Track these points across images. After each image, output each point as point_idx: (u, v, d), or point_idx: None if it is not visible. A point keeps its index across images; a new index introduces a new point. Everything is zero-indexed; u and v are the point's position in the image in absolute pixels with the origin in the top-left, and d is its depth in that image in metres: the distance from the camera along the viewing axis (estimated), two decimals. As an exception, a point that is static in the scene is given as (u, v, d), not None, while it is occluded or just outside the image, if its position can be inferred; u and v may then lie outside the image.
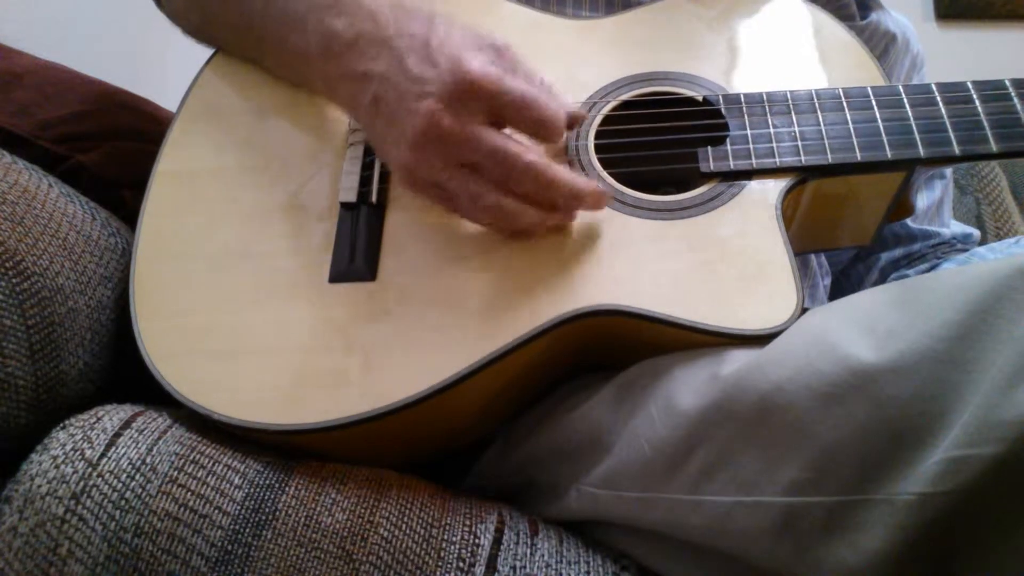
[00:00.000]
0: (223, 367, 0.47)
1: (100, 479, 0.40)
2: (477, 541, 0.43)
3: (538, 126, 0.46)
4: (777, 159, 0.51)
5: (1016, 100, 0.51)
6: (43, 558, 0.38)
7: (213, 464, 0.43)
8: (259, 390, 0.46)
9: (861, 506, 0.34)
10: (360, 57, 0.47)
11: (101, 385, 0.51)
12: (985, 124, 0.51)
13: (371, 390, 0.45)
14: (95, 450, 0.42)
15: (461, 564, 0.41)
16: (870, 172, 0.52)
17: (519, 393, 0.53)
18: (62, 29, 1.11)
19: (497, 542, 0.43)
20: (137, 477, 0.41)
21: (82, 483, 0.40)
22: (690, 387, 0.42)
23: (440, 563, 0.41)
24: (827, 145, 0.51)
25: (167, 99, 0.65)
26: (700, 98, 0.55)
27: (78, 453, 0.41)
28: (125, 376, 0.52)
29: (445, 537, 0.42)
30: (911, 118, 0.52)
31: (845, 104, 0.53)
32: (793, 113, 0.53)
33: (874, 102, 0.52)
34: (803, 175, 0.51)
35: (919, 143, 0.51)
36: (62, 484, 0.40)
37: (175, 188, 0.55)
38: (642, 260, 0.48)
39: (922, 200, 0.76)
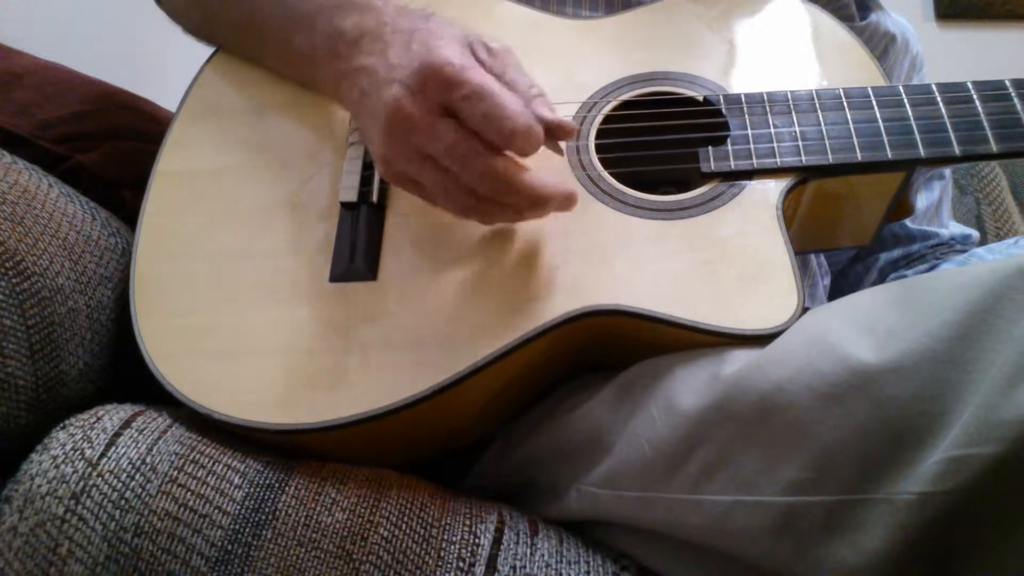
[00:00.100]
0: (223, 367, 0.47)
1: (100, 479, 0.40)
2: (477, 541, 0.43)
3: (488, 122, 0.42)
4: (778, 159, 0.51)
5: (1016, 100, 0.51)
6: (43, 558, 0.38)
7: (213, 464, 0.43)
8: (259, 390, 0.46)
9: (861, 506, 0.34)
10: (359, 53, 0.48)
11: (101, 385, 0.51)
12: (985, 124, 0.51)
13: (371, 390, 0.45)
14: (95, 450, 0.42)
15: (461, 564, 0.41)
16: (870, 172, 0.52)
17: (519, 393, 0.53)
18: (62, 29, 1.11)
19: (497, 542, 0.43)
20: (137, 477, 0.41)
21: (82, 483, 0.40)
22: (690, 387, 0.42)
23: (440, 563, 0.41)
24: (828, 145, 0.51)
25: (167, 99, 0.65)
26: (701, 98, 0.55)
27: (78, 453, 0.41)
28: (125, 376, 0.52)
29: (445, 537, 0.42)
30: (911, 118, 0.52)
31: (846, 104, 0.53)
32: (794, 113, 0.53)
33: (874, 102, 0.52)
34: (804, 175, 0.51)
35: (919, 143, 0.51)
36: (62, 484, 0.40)
37: (175, 188, 0.55)
38: (643, 260, 0.48)
39: (921, 201, 0.76)
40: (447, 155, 0.43)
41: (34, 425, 0.44)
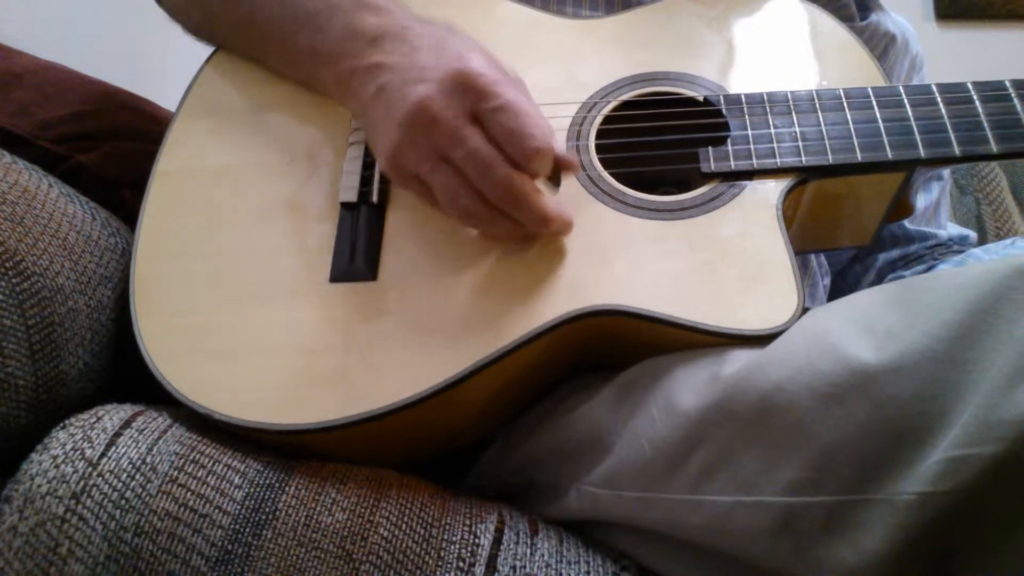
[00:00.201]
0: (223, 367, 0.47)
1: (100, 478, 0.40)
2: (477, 541, 0.43)
3: (513, 138, 0.44)
4: (778, 159, 0.51)
5: (1016, 101, 0.51)
6: (43, 557, 0.38)
7: (213, 464, 0.43)
8: (260, 390, 0.46)
9: (861, 506, 0.34)
10: (377, 51, 0.48)
11: (101, 385, 0.51)
12: (985, 125, 0.51)
13: (371, 390, 0.45)
14: (95, 450, 0.42)
15: (461, 564, 0.41)
16: (871, 172, 0.52)
17: (519, 393, 0.53)
18: (62, 29, 1.11)
19: (497, 542, 0.43)
20: (137, 477, 0.41)
21: (82, 482, 0.40)
22: (691, 387, 0.42)
23: (440, 563, 0.41)
24: (828, 145, 0.51)
25: (167, 99, 0.65)
26: (701, 98, 0.55)
27: (78, 453, 0.41)
28: (125, 376, 0.52)
29: (445, 537, 0.42)
30: (911, 118, 0.52)
31: (846, 104, 0.53)
32: (794, 113, 0.53)
33: (875, 102, 0.53)
34: (804, 175, 0.51)
35: (919, 144, 0.51)
36: (62, 483, 0.40)
37: (175, 188, 0.55)
38: (643, 260, 0.48)
39: (920, 202, 0.76)
40: (466, 160, 0.44)
41: (34, 425, 0.44)
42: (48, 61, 0.65)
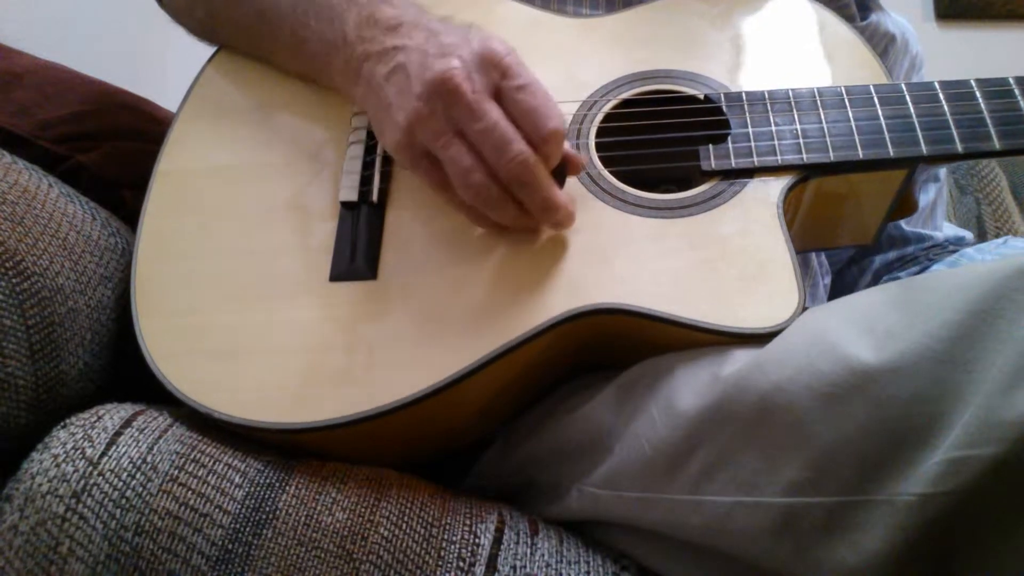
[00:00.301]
0: (224, 366, 0.47)
1: (101, 478, 0.41)
2: (477, 541, 0.43)
3: (533, 116, 0.45)
4: (779, 157, 0.51)
5: (1019, 97, 0.51)
6: (44, 556, 0.38)
7: (214, 463, 0.43)
8: (260, 389, 0.46)
9: (861, 506, 0.34)
10: (396, 37, 0.49)
11: (101, 384, 0.51)
12: (988, 121, 0.51)
13: (372, 389, 0.45)
14: (96, 449, 0.42)
15: (461, 564, 0.41)
16: (872, 170, 0.52)
17: (519, 393, 0.53)
18: (62, 29, 1.11)
19: (497, 542, 0.43)
20: (138, 476, 0.41)
21: (83, 482, 0.40)
22: (691, 387, 0.42)
23: (440, 563, 0.41)
24: (829, 143, 0.51)
25: (167, 99, 0.65)
26: (701, 96, 0.55)
27: (79, 452, 0.41)
28: (125, 376, 0.52)
29: (445, 537, 0.42)
30: (914, 116, 0.51)
31: (847, 102, 0.53)
32: (795, 111, 0.53)
33: (876, 100, 0.52)
34: (805, 173, 0.51)
35: (922, 141, 0.51)
36: (63, 483, 0.40)
37: (176, 188, 0.55)
38: (643, 258, 0.48)
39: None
40: (484, 134, 0.44)
41: (34, 425, 0.44)
42: (48, 61, 0.65)
